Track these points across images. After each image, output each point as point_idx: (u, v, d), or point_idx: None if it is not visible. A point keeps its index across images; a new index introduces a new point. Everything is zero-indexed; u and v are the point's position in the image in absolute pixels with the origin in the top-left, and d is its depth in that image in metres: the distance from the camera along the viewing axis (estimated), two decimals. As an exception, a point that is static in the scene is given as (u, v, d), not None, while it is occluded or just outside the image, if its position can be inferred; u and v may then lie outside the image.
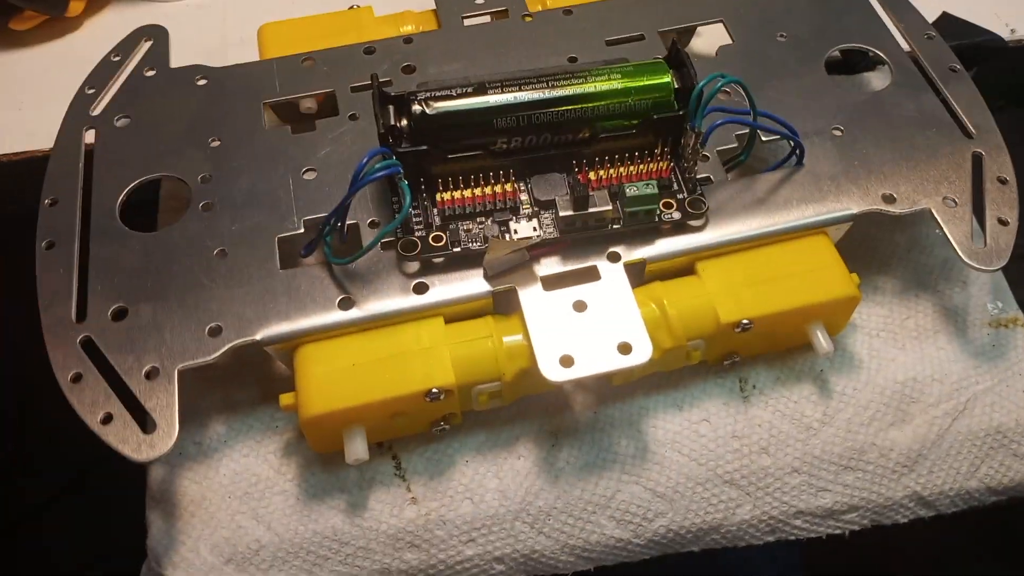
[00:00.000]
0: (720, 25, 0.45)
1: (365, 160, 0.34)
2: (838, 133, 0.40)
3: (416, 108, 0.36)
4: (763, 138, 0.39)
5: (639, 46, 0.44)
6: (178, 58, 0.45)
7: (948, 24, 0.52)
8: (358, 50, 0.44)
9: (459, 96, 0.36)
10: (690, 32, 0.47)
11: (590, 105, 0.37)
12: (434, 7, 0.46)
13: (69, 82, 0.49)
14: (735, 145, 0.40)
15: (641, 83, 0.37)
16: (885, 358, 0.39)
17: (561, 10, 0.45)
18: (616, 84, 0.37)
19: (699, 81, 0.36)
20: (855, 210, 0.38)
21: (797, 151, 0.39)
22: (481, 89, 0.36)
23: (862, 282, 0.37)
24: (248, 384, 0.39)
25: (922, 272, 0.42)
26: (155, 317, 0.35)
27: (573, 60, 0.43)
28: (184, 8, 0.54)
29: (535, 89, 0.36)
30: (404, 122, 0.36)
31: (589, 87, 0.37)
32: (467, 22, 0.45)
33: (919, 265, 0.42)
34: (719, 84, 0.36)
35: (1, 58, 0.52)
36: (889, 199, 0.38)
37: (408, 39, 0.44)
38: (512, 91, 0.36)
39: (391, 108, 0.37)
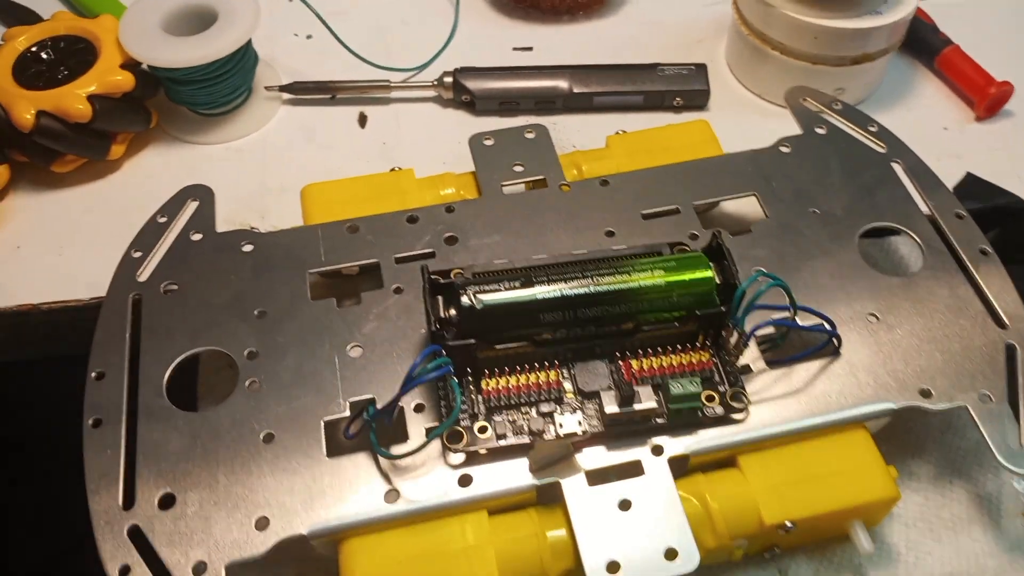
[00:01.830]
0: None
1: (418, 361, 0.35)
2: (873, 320, 0.41)
3: (465, 301, 0.37)
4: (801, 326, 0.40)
5: (675, 220, 0.45)
6: (218, 202, 0.46)
7: (973, 185, 0.53)
8: (401, 218, 0.44)
9: (507, 289, 0.37)
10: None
11: (634, 301, 0.37)
12: (473, 169, 0.47)
13: (109, 226, 0.51)
14: (772, 331, 0.41)
15: (683, 278, 0.38)
16: (922, 551, 0.39)
17: (598, 180, 0.46)
18: (659, 280, 0.38)
19: (740, 279, 0.37)
20: (893, 405, 0.38)
21: (835, 340, 0.40)
22: (528, 282, 0.37)
23: (898, 467, 0.38)
24: (287, 563, 0.39)
25: (956, 456, 0.42)
26: (202, 507, 0.36)
27: (611, 234, 0.44)
28: (223, 151, 0.55)
29: (580, 283, 0.37)
30: (452, 312, 0.37)
31: (633, 283, 0.37)
32: (506, 190, 0.46)
33: (953, 448, 0.42)
34: (762, 289, 0.37)
35: (42, 200, 0.52)
36: (926, 394, 0.39)
37: (450, 208, 0.45)
38: (558, 284, 0.37)
39: (439, 298, 0.38)
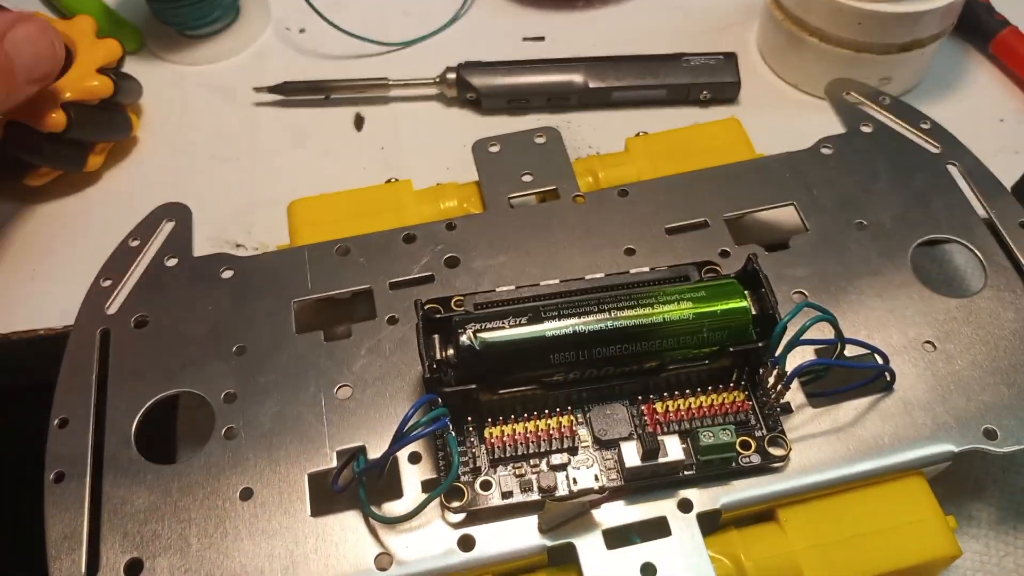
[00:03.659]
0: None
1: (410, 413, 0.30)
2: (930, 349, 0.36)
3: (464, 341, 0.32)
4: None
5: (702, 234, 0.40)
6: (202, 217, 0.42)
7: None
8: (397, 237, 0.40)
9: (512, 326, 0.33)
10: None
11: (658, 337, 0.33)
12: (476, 179, 0.43)
13: (87, 245, 0.47)
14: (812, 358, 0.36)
15: (715, 309, 0.33)
16: (986, 612, 0.35)
17: (616, 190, 0.41)
18: (687, 312, 0.33)
19: (780, 310, 0.33)
20: (954, 449, 0.34)
21: (887, 375, 0.35)
22: (536, 317, 0.33)
23: (954, 511, 0.33)
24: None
25: (1018, 497, 0.38)
26: (172, 574, 0.32)
27: (630, 252, 0.39)
28: (210, 161, 0.51)
29: (597, 318, 0.33)
30: (450, 351, 0.33)
31: (656, 316, 0.33)
32: (514, 202, 0.42)
33: (1015, 489, 0.38)
34: (807, 324, 0.32)
35: (14, 217, 0.48)
36: (991, 434, 0.34)
37: (451, 224, 0.40)
38: (570, 319, 0.33)
39: (436, 337, 0.33)
